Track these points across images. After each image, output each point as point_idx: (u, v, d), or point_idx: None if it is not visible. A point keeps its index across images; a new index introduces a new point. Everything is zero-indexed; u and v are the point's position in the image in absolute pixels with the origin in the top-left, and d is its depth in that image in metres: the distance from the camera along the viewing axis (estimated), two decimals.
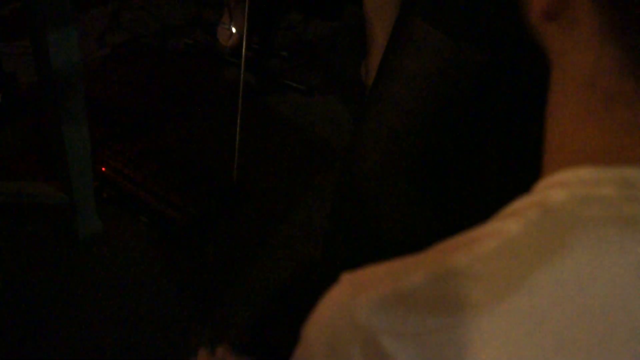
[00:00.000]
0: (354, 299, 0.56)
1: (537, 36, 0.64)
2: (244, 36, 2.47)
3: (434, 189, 1.88)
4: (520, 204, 0.57)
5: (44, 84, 2.07)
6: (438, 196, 1.90)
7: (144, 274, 2.20)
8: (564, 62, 0.62)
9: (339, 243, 1.96)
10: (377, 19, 2.47)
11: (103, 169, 2.38)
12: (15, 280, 2.15)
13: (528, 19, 0.63)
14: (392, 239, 1.86)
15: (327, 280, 0.62)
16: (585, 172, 0.57)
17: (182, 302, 2.14)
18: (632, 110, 0.57)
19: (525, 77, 1.60)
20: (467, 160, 1.88)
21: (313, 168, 2.59)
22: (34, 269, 2.16)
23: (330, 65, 2.98)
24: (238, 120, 2.43)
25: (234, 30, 2.88)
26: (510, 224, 0.55)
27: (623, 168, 0.56)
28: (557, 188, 0.58)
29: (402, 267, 0.56)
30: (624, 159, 0.57)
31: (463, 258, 0.53)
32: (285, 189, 2.51)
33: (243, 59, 2.47)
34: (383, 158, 1.75)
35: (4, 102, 2.68)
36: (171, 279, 2.21)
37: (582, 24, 0.58)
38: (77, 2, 2.00)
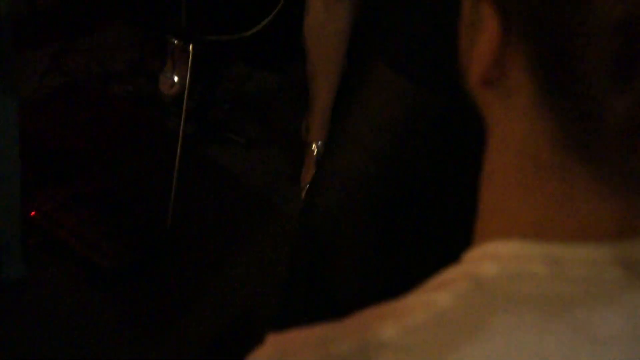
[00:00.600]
0: None
1: (476, 101, 0.63)
2: (187, 86, 2.49)
3: (394, 236, 1.87)
4: (452, 274, 0.57)
5: None
6: (397, 244, 1.89)
7: (67, 322, 2.15)
8: (499, 129, 0.62)
9: (297, 293, 1.94)
10: (321, 75, 2.47)
11: (33, 213, 2.34)
12: None
13: (468, 84, 0.62)
14: (347, 289, 1.84)
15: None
16: (516, 247, 0.57)
17: (107, 351, 2.09)
18: (562, 182, 0.57)
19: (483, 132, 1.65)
20: (429, 207, 1.88)
21: (248, 219, 2.57)
22: None
23: (271, 119, 3.00)
24: (175, 168, 2.41)
25: (176, 79, 2.86)
26: (440, 296, 0.54)
27: (552, 244, 0.56)
28: (488, 261, 0.57)
29: (331, 333, 0.55)
30: (553, 233, 0.57)
31: (392, 329, 0.52)
32: (219, 239, 2.50)
33: (184, 108, 2.51)
34: (345, 199, 1.77)
35: None
36: (97, 327, 2.16)
37: (517, 94, 0.57)
38: (17, 42, 1.99)
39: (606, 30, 0.50)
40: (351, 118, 1.82)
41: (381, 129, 1.73)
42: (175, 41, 2.85)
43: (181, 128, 2.45)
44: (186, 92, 2.53)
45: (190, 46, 2.61)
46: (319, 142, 2.55)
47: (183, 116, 2.47)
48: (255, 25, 2.71)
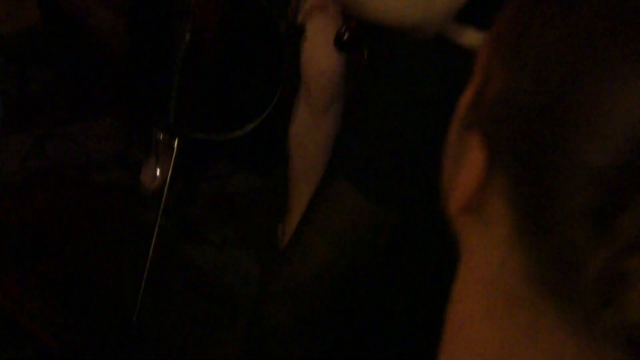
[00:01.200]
0: None
1: (453, 227, 0.63)
2: (167, 180, 2.54)
3: (342, 349, 1.88)
4: None
5: None
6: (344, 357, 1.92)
7: None
8: (473, 257, 0.62)
9: None
10: (302, 182, 2.56)
11: None
12: None
13: (447, 209, 0.63)
14: None
15: None
16: None
17: None
18: (532, 318, 0.57)
19: (433, 249, 1.67)
20: (378, 322, 1.86)
21: (214, 320, 2.54)
22: None
23: (248, 220, 3.03)
24: (147, 262, 2.40)
25: (158, 173, 2.89)
26: None
27: None
28: None
29: None
30: None
31: None
32: (185, 337, 2.48)
33: (162, 203, 2.51)
34: (293, 310, 1.76)
35: None
36: None
37: (495, 225, 0.58)
38: (1, 123, 2.02)
39: (587, 179, 0.51)
40: (306, 227, 1.83)
41: (333, 241, 1.74)
42: (161, 135, 2.87)
43: (157, 222, 2.45)
44: (166, 186, 2.55)
45: (175, 141, 2.64)
46: None
47: (160, 210, 2.48)
48: (242, 126, 2.74)
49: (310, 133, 2.52)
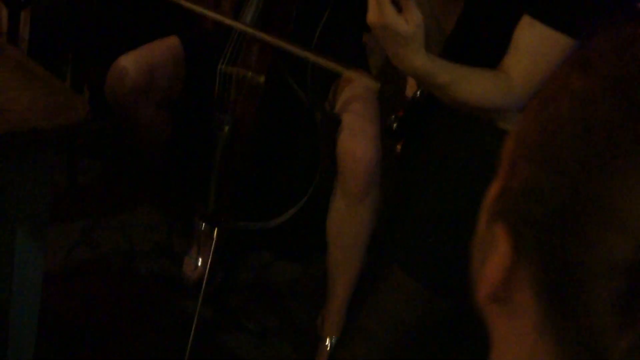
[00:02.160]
0: None
1: (483, 315, 0.65)
2: (207, 270, 2.56)
3: None
4: None
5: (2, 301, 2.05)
6: None
7: None
8: (503, 345, 0.63)
9: None
10: (340, 272, 2.56)
11: None
12: None
13: (476, 298, 0.64)
14: None
15: None
16: None
17: None
18: None
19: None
20: None
21: None
22: None
23: (288, 309, 3.01)
24: (187, 351, 2.38)
25: (200, 263, 2.90)
26: None
27: None
28: None
29: None
30: None
31: None
32: None
33: (202, 292, 2.49)
34: None
35: None
36: None
37: (523, 314, 0.59)
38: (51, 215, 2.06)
39: (611, 270, 0.52)
40: (363, 313, 1.86)
41: (391, 326, 1.76)
42: (202, 225, 2.88)
43: (197, 312, 2.43)
44: (206, 276, 2.53)
45: (215, 231, 2.61)
46: (333, 338, 2.55)
47: (200, 299, 2.47)
48: (280, 214, 2.73)
49: (346, 222, 2.53)
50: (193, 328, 2.40)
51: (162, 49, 2.72)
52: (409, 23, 1.49)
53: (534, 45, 1.63)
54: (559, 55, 1.62)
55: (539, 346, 0.58)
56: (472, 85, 1.63)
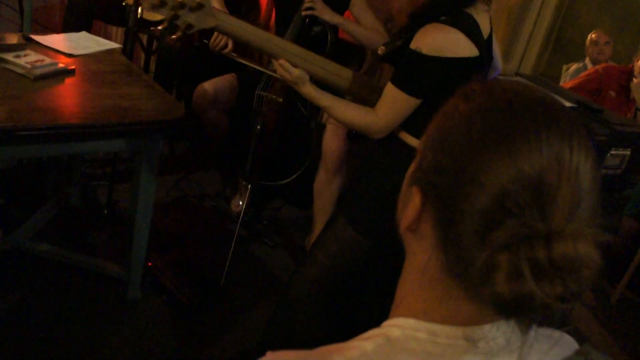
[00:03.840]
0: None
1: (403, 240, 0.65)
2: (243, 209, 2.63)
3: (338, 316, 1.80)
4: (374, 332, 0.59)
5: (131, 214, 2.12)
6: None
7: (150, 329, 2.14)
8: (412, 257, 0.64)
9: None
10: (320, 215, 2.60)
11: (150, 264, 2.39)
12: (72, 319, 2.09)
13: (399, 230, 0.65)
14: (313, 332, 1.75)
15: None
16: (411, 322, 0.60)
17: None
18: (443, 290, 0.59)
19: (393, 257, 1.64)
20: (360, 299, 1.80)
21: (266, 290, 2.51)
22: (87, 315, 2.13)
23: (290, 234, 3.00)
24: (231, 249, 2.45)
25: (240, 203, 2.97)
26: (367, 343, 0.57)
27: (431, 323, 0.59)
28: (395, 328, 0.60)
29: (306, 356, 0.57)
30: (433, 317, 0.59)
31: (339, 357, 0.56)
32: (256, 295, 2.44)
33: (240, 221, 2.57)
34: (308, 289, 1.73)
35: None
36: (166, 334, 2.12)
37: (425, 238, 0.61)
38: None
39: (474, 212, 0.55)
40: (318, 243, 1.76)
41: (332, 254, 1.69)
42: (243, 182, 2.92)
43: (236, 231, 2.52)
44: (242, 211, 2.61)
45: (249, 186, 2.69)
46: None
47: (238, 225, 2.54)
48: (287, 178, 2.79)
49: (325, 187, 2.58)
50: (234, 240, 2.49)
51: (225, 80, 2.80)
52: (293, 73, 1.62)
53: (390, 97, 1.56)
54: (402, 105, 1.55)
55: (433, 256, 0.59)
56: (346, 112, 1.61)
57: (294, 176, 2.77)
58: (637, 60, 3.44)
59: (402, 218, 0.63)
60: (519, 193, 0.53)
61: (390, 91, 1.56)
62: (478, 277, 0.53)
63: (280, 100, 2.63)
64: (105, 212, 2.68)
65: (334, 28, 2.56)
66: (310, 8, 2.48)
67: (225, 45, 2.58)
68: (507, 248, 0.52)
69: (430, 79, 1.49)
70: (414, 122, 1.58)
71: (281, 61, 1.65)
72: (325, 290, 1.71)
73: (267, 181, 2.80)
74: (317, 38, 2.57)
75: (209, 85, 2.74)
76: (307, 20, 2.54)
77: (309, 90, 1.67)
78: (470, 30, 1.47)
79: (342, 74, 1.73)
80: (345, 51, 2.76)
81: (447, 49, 1.44)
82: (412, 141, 1.60)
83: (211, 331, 2.22)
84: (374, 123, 1.58)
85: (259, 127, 2.61)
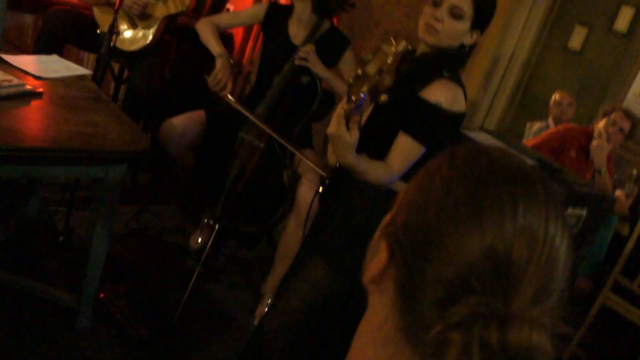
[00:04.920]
0: None
1: (369, 292, 0.64)
2: (207, 246, 2.58)
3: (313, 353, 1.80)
4: None
5: (88, 243, 2.09)
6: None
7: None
8: (372, 310, 0.63)
9: None
10: (284, 258, 2.58)
11: (102, 295, 2.35)
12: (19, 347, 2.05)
13: (364, 279, 0.64)
14: None
15: None
16: None
17: None
18: (396, 350, 0.58)
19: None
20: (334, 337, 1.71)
21: (224, 329, 2.51)
22: (34, 342, 2.09)
23: (248, 274, 3.00)
24: (188, 288, 2.45)
25: (200, 240, 2.96)
26: None
27: None
28: None
29: None
30: None
31: None
32: (204, 332, 2.42)
33: (202, 259, 2.55)
34: (283, 325, 1.73)
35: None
36: None
37: (386, 293, 0.60)
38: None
39: (437, 281, 0.54)
40: (293, 280, 1.77)
41: (309, 290, 1.71)
42: (206, 220, 2.92)
43: (197, 269, 2.50)
44: (206, 250, 2.56)
45: (216, 226, 2.63)
46: (270, 296, 2.60)
47: (200, 263, 2.53)
48: (260, 224, 2.79)
49: (293, 235, 2.56)
50: (194, 277, 2.48)
51: (194, 117, 2.81)
52: (351, 137, 1.47)
53: (405, 150, 1.63)
54: (416, 155, 1.64)
55: (390, 315, 0.59)
56: (373, 173, 1.61)
57: (267, 222, 2.78)
58: (597, 123, 3.57)
59: (367, 269, 0.63)
60: (484, 270, 0.52)
61: (407, 144, 1.65)
62: (430, 347, 0.52)
63: (262, 145, 2.64)
64: (61, 238, 2.66)
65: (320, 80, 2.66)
66: (304, 59, 2.56)
67: (225, 87, 2.64)
68: (462, 324, 0.51)
69: (444, 132, 1.65)
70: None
71: (356, 118, 1.50)
72: (298, 331, 1.73)
73: (235, 224, 2.75)
74: (304, 87, 2.65)
75: (177, 121, 2.75)
76: (297, 69, 2.61)
77: (352, 157, 1.55)
78: (464, 89, 1.68)
79: None
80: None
81: (458, 106, 1.64)
82: (398, 187, 1.66)
83: None
84: (391, 177, 1.65)
85: (235, 169, 2.62)
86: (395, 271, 0.59)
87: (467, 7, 1.65)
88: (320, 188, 1.87)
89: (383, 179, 1.64)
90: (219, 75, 2.64)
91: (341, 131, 1.46)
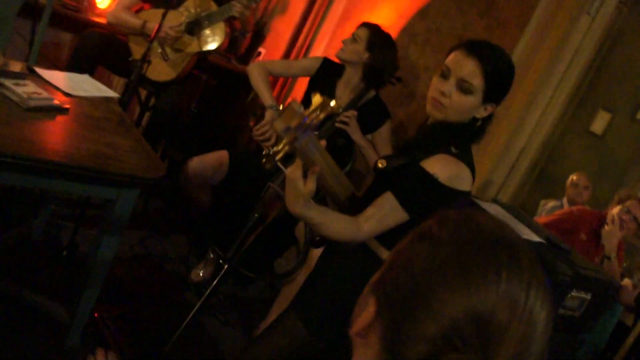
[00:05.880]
0: None
1: (354, 344, 0.65)
2: (213, 284, 2.51)
3: None
4: None
5: (90, 261, 2.11)
6: None
7: None
8: None
9: None
10: (276, 311, 2.48)
11: (96, 314, 2.36)
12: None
13: (350, 332, 0.65)
14: None
15: None
16: None
17: None
18: None
19: None
20: None
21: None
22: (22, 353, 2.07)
23: (244, 315, 2.99)
24: (184, 323, 2.40)
25: (202, 274, 2.96)
26: None
27: None
28: None
29: None
30: None
31: None
32: None
33: (204, 296, 2.48)
34: None
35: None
36: None
37: (372, 346, 0.62)
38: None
39: (422, 338, 0.56)
40: (268, 334, 1.72)
41: (281, 348, 1.64)
42: (211, 255, 2.91)
43: (198, 304, 2.46)
44: (210, 288, 2.50)
45: (225, 267, 2.56)
46: None
47: (202, 299, 2.48)
48: (266, 274, 2.83)
49: (298, 284, 2.45)
50: (193, 311, 2.45)
51: (216, 157, 2.86)
52: (306, 186, 1.36)
53: (382, 207, 1.51)
54: (394, 219, 1.52)
55: None
56: (334, 227, 1.47)
57: (278, 275, 2.79)
58: (611, 209, 3.56)
59: (355, 322, 0.64)
60: (467, 329, 0.54)
61: (388, 205, 1.52)
62: None
63: None
64: (65, 253, 2.68)
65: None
66: (345, 123, 2.59)
67: (268, 139, 2.66)
68: None
69: (434, 204, 1.51)
70: (390, 236, 1.56)
71: (316, 168, 1.40)
72: None
73: (245, 269, 2.71)
74: (339, 149, 2.67)
75: (201, 162, 2.80)
76: (336, 130, 2.63)
77: (303, 208, 1.43)
78: (473, 167, 1.56)
79: (348, 189, 1.62)
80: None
81: (459, 183, 1.52)
82: (380, 252, 1.60)
83: None
84: (355, 236, 1.51)
85: (257, 215, 2.59)
86: (381, 326, 0.60)
87: (477, 80, 1.51)
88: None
89: (346, 234, 1.49)
90: (267, 127, 2.67)
91: (296, 176, 1.37)
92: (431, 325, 0.55)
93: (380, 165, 1.64)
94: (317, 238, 1.76)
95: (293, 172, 1.38)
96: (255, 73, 2.79)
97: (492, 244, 0.59)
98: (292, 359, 1.63)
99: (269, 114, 2.69)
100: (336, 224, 1.49)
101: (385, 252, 1.59)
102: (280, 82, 3.95)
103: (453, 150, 1.54)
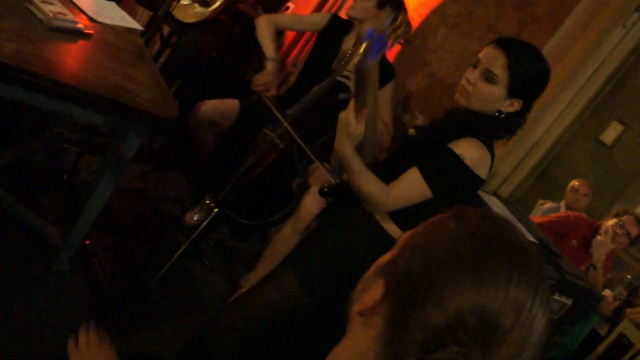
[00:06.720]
0: None
1: (348, 319, 0.66)
2: (201, 226, 2.52)
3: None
4: None
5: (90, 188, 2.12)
6: None
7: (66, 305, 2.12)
8: (352, 339, 0.65)
9: None
10: (269, 260, 2.57)
11: (87, 242, 2.38)
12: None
13: (351, 309, 0.65)
14: None
15: None
16: None
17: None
18: None
19: (323, 326, 1.55)
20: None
21: (192, 310, 2.52)
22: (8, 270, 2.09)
23: (231, 262, 3.02)
24: (170, 261, 2.39)
25: (196, 218, 2.93)
26: None
27: None
28: None
29: None
30: None
31: None
32: (179, 311, 2.44)
33: (192, 237, 2.51)
34: (236, 322, 1.68)
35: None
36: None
37: (373, 327, 0.62)
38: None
39: (425, 325, 0.57)
40: (260, 286, 1.74)
41: (269, 301, 1.66)
42: (207, 200, 2.84)
43: (185, 245, 2.49)
44: (197, 231, 2.52)
45: (215, 210, 2.58)
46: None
47: (190, 240, 2.50)
48: (260, 220, 2.83)
49: (286, 240, 2.56)
50: (179, 252, 2.45)
51: (229, 105, 2.87)
52: (357, 128, 1.46)
53: (409, 184, 1.56)
54: (417, 194, 1.56)
55: (373, 347, 0.61)
56: (366, 182, 1.54)
57: (265, 221, 2.80)
58: (607, 220, 3.58)
59: (358, 301, 0.64)
60: (472, 324, 0.55)
61: (414, 178, 1.58)
62: None
63: (282, 145, 2.65)
64: (65, 176, 2.68)
65: None
66: (347, 77, 2.56)
67: (267, 90, 2.66)
68: None
69: (456, 185, 1.58)
70: (402, 215, 1.60)
71: (365, 111, 1.49)
72: (251, 333, 1.70)
73: (234, 214, 2.76)
74: (339, 103, 2.61)
75: (212, 105, 2.81)
76: (337, 84, 2.61)
77: (351, 150, 1.54)
78: (493, 158, 1.61)
79: (375, 144, 1.66)
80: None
81: (480, 169, 1.57)
82: (391, 230, 1.62)
83: (125, 327, 2.20)
84: (382, 202, 1.57)
85: (250, 162, 2.63)
86: (387, 308, 0.61)
87: (499, 70, 1.56)
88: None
89: (374, 197, 1.56)
90: (266, 78, 2.68)
91: (350, 118, 1.47)
92: (438, 314, 0.56)
93: (410, 132, 1.67)
94: (327, 189, 1.76)
95: (346, 114, 1.48)
96: (262, 25, 2.79)
97: (508, 247, 0.60)
98: (281, 313, 1.66)
99: (269, 65, 2.69)
100: (371, 183, 1.56)
101: (392, 227, 1.62)
102: (297, 47, 3.89)
103: (482, 139, 1.59)
